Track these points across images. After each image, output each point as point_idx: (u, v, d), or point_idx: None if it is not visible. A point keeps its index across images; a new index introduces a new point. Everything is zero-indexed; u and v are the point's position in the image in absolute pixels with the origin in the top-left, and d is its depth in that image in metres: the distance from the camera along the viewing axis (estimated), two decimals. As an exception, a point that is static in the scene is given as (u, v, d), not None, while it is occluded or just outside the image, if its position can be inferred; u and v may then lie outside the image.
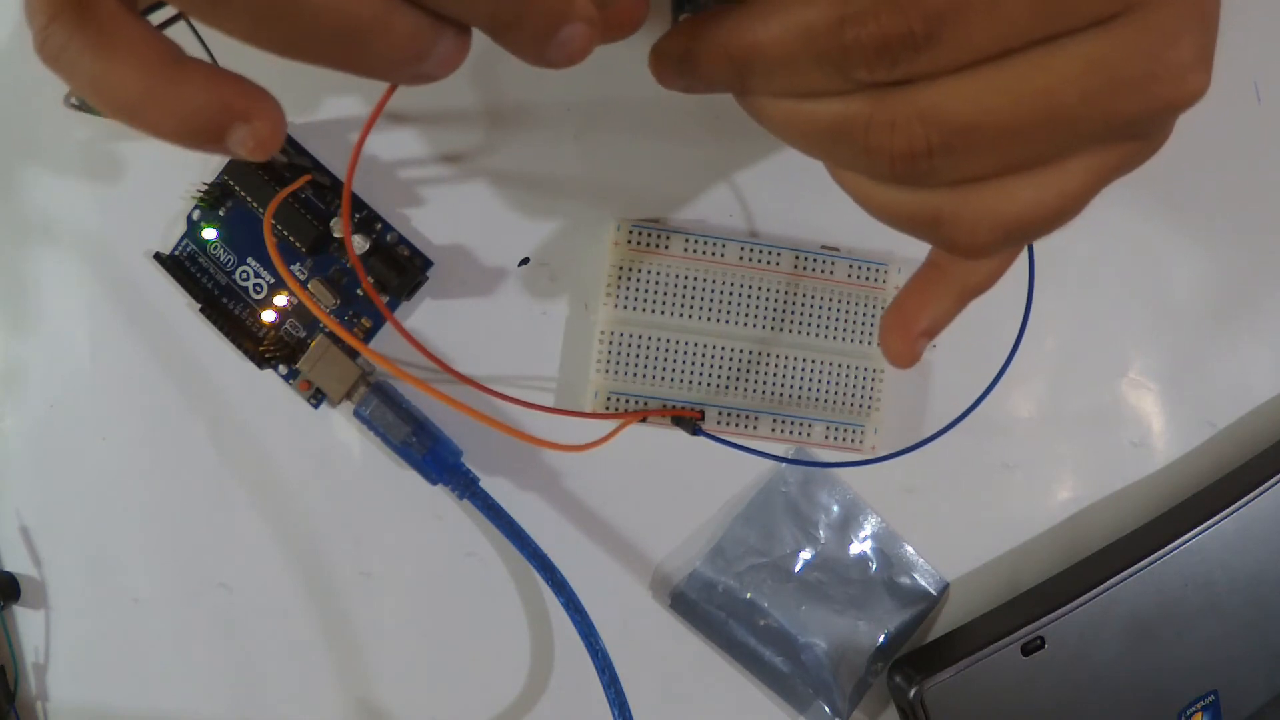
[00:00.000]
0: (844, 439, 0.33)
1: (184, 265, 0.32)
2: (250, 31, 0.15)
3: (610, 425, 0.31)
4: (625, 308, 0.32)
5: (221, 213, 0.32)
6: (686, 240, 0.32)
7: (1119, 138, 0.17)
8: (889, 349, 0.22)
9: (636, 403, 0.32)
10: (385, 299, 0.32)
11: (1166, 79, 0.16)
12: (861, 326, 0.33)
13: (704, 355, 0.32)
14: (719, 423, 0.32)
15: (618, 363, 0.32)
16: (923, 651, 0.34)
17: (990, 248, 0.18)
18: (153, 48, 0.16)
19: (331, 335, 0.31)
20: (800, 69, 0.17)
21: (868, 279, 0.33)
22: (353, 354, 0.32)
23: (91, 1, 0.16)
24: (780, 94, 0.18)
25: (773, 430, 0.33)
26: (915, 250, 0.33)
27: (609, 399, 0.32)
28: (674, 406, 0.32)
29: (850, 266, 0.32)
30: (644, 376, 0.32)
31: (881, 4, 0.16)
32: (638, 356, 0.32)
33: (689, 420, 0.32)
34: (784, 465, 0.33)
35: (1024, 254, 0.27)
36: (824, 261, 0.32)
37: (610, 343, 0.32)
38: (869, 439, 0.33)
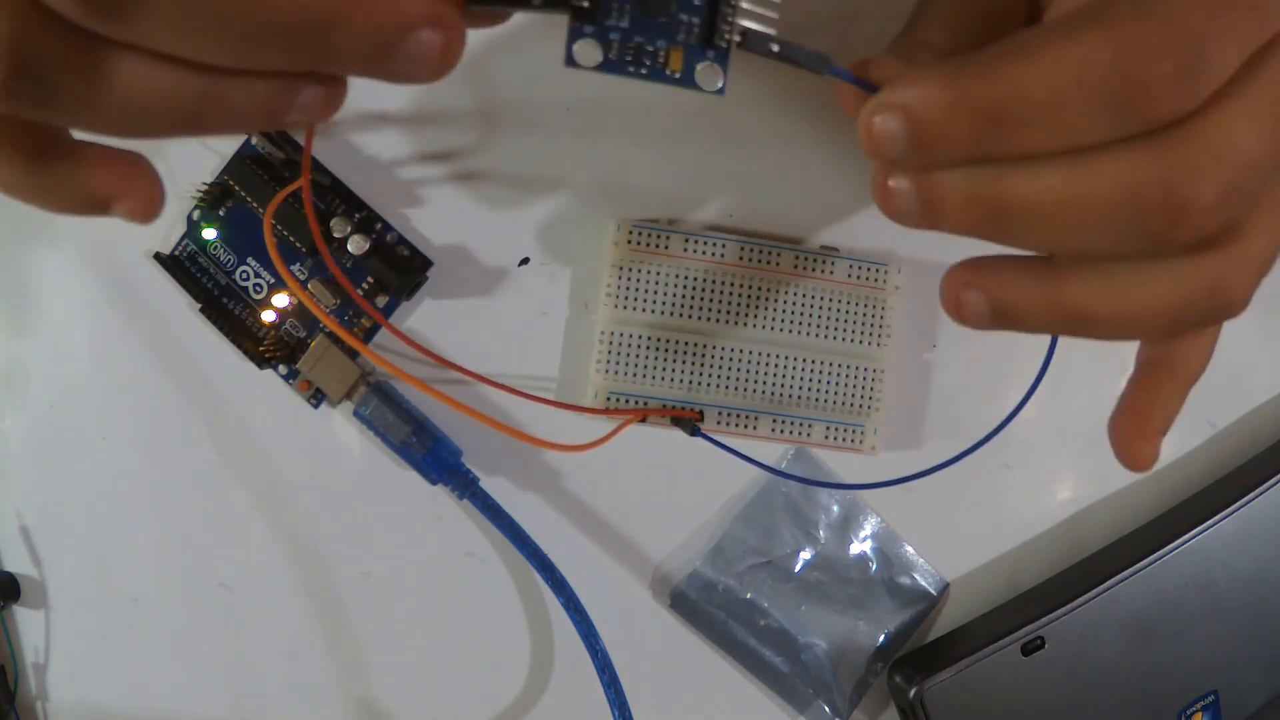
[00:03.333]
0: (844, 439, 0.33)
1: (184, 265, 0.32)
2: (172, 37, 0.15)
3: (610, 425, 0.31)
4: (625, 308, 0.32)
5: (221, 213, 0.32)
6: (686, 240, 0.32)
7: None
8: (1129, 453, 0.21)
9: (636, 403, 0.32)
10: (385, 299, 0.32)
11: None
12: (861, 326, 0.33)
13: (704, 355, 0.32)
14: (719, 423, 0.32)
15: (618, 363, 0.32)
16: (923, 651, 0.34)
17: (1250, 296, 0.18)
18: (29, 141, 0.17)
19: (331, 335, 0.31)
20: (1072, 115, 0.16)
21: (868, 279, 0.33)
22: (353, 354, 0.32)
23: None
24: (1042, 151, 0.16)
25: (773, 430, 0.33)
26: (915, 250, 0.33)
27: (609, 399, 0.32)
28: (674, 406, 0.32)
29: (850, 266, 0.32)
30: (644, 376, 0.32)
31: (1160, 29, 0.15)
32: (638, 356, 0.32)
33: (688, 421, 0.32)
34: (783, 465, 0.33)
35: None
36: (824, 261, 0.32)
37: (610, 343, 0.32)
38: (869, 439, 0.33)
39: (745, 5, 0.18)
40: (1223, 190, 0.16)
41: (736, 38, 0.18)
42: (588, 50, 0.18)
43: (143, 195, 0.18)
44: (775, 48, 0.18)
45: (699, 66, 0.18)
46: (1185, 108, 0.15)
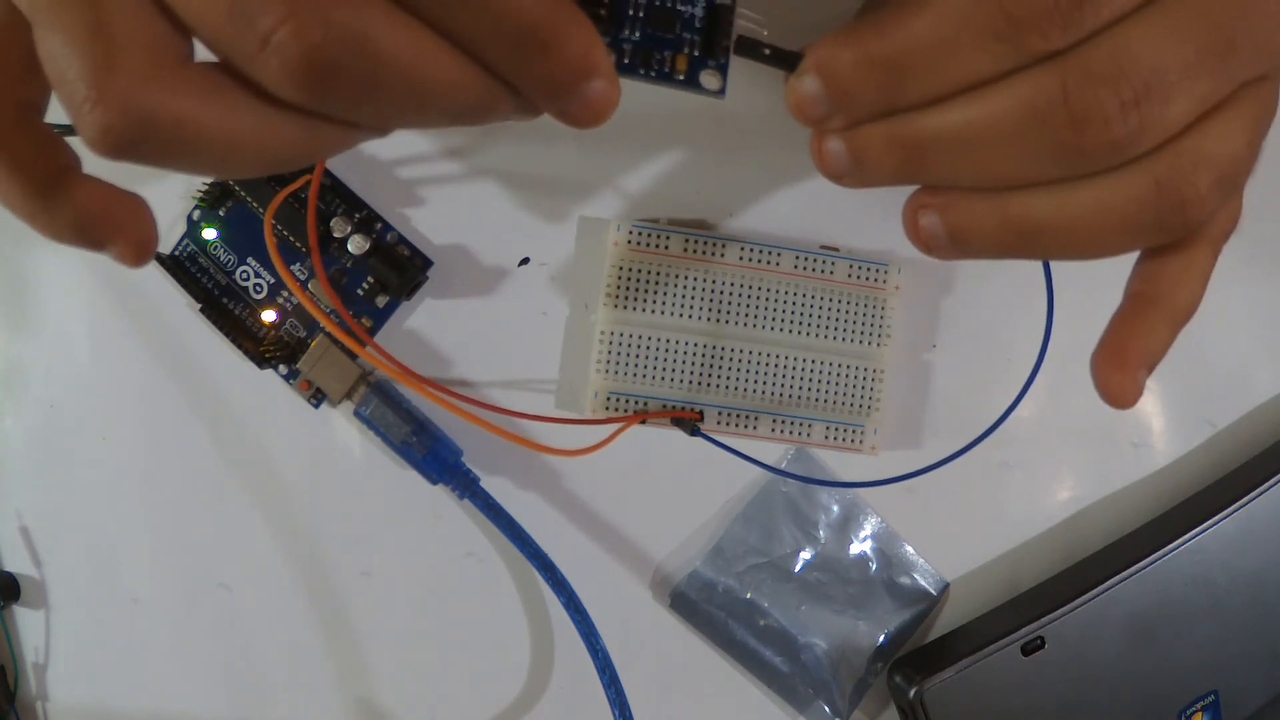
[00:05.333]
0: (844, 439, 0.33)
1: (184, 265, 0.32)
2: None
3: (610, 427, 0.31)
4: (625, 308, 0.32)
5: (221, 213, 0.32)
6: (686, 240, 0.32)
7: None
8: (1108, 386, 0.20)
9: (636, 403, 0.32)
10: (385, 299, 0.32)
11: None
12: (861, 326, 0.33)
13: (704, 355, 0.32)
14: (719, 423, 0.32)
15: (617, 363, 0.32)
16: (923, 651, 0.34)
17: (1211, 201, 0.17)
18: (37, 167, 0.17)
19: (332, 335, 0.31)
20: (963, 55, 0.17)
21: (868, 279, 0.33)
22: (353, 354, 0.32)
23: None
24: (944, 92, 0.17)
25: (772, 430, 0.33)
26: (915, 251, 0.33)
27: (609, 399, 0.32)
28: (673, 407, 0.32)
29: (850, 266, 0.32)
30: (644, 377, 0.32)
31: None
32: (638, 356, 0.32)
33: (688, 421, 0.32)
34: (783, 465, 0.33)
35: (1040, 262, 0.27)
36: (824, 261, 0.32)
37: (610, 343, 0.32)
38: (869, 439, 0.33)
39: (741, 22, 0.19)
40: (1128, 97, 0.16)
41: (730, 41, 0.20)
42: None
43: (133, 243, 0.18)
44: (767, 51, 0.19)
45: (701, 70, 0.20)
46: (1073, 34, 0.16)
